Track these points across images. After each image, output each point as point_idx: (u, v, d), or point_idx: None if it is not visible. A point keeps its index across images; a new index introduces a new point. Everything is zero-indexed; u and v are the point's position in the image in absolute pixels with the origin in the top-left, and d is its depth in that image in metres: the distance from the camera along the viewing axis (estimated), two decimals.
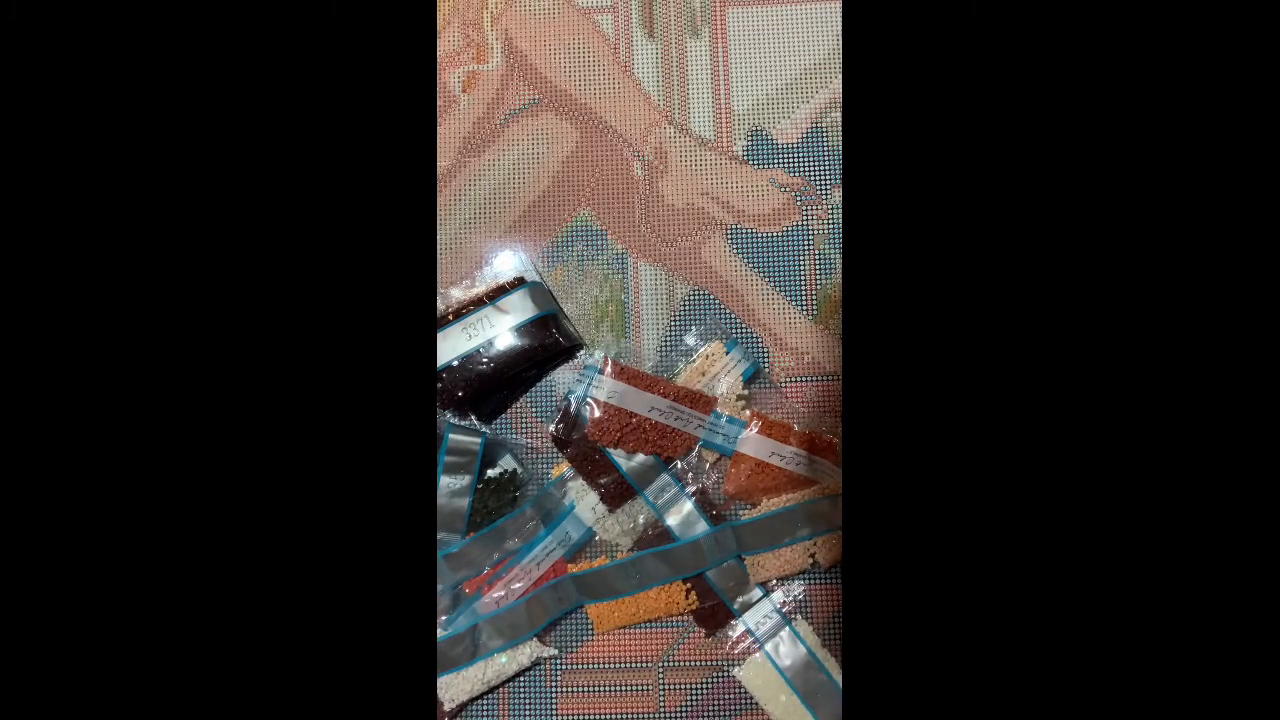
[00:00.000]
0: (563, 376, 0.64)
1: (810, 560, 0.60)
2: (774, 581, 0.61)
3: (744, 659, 0.60)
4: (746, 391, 0.62)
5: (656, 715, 0.60)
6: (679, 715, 0.60)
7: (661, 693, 0.60)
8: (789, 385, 0.64)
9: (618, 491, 0.60)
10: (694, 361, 0.62)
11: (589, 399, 0.60)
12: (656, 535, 0.61)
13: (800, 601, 0.61)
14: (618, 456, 0.60)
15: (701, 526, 0.60)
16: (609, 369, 0.60)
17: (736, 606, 0.60)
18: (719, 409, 0.61)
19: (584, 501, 0.61)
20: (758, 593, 0.60)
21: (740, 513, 0.62)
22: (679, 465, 0.61)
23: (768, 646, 0.60)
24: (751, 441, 0.60)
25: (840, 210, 0.66)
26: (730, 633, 0.60)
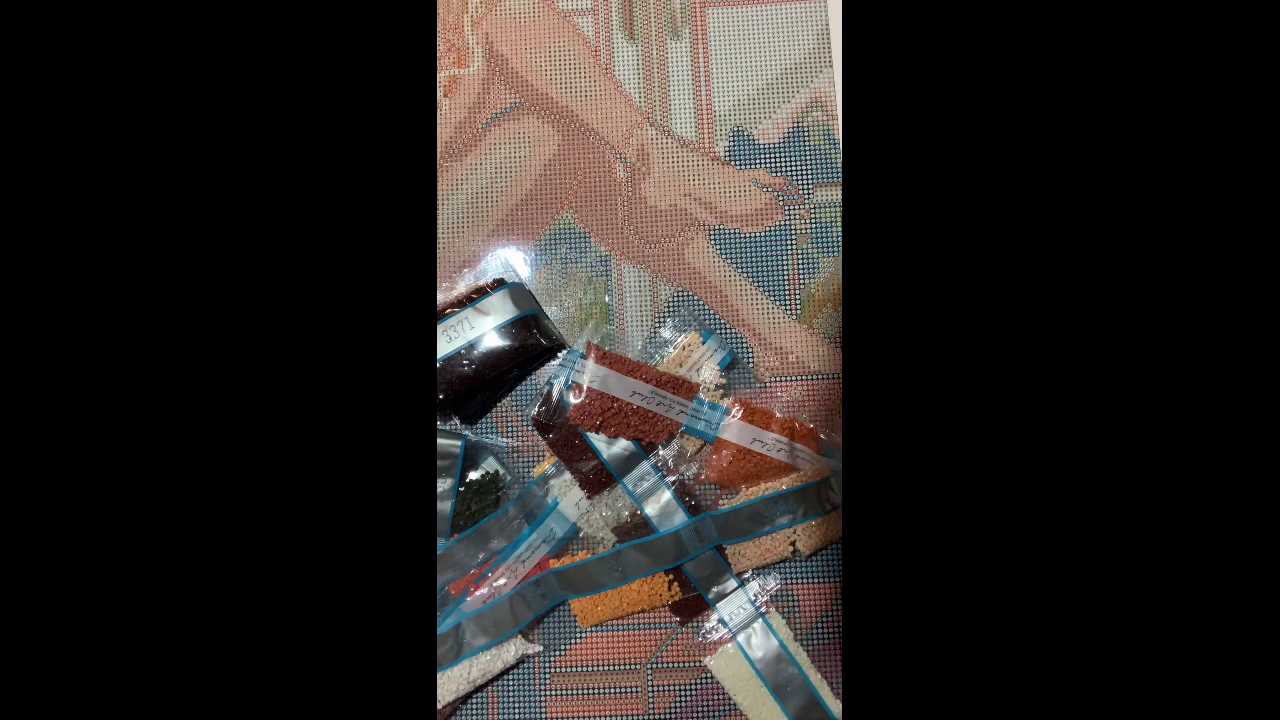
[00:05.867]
0: (545, 376, 0.64)
1: (791, 548, 0.60)
2: (749, 573, 0.61)
3: (716, 649, 0.60)
4: (724, 380, 0.62)
5: (646, 717, 0.60)
6: (668, 717, 0.60)
7: (650, 694, 0.60)
8: (774, 385, 0.64)
9: (597, 479, 0.61)
10: (671, 352, 0.63)
11: (571, 384, 0.60)
12: (636, 525, 0.61)
13: (775, 594, 0.61)
14: (598, 443, 0.60)
15: (679, 517, 0.60)
16: (592, 354, 0.60)
17: (711, 596, 0.60)
18: (700, 395, 0.61)
19: (567, 498, 0.61)
20: (733, 583, 0.61)
21: (720, 502, 0.62)
22: (660, 453, 0.61)
23: (740, 637, 0.60)
24: (733, 428, 0.60)
25: (822, 209, 0.66)
26: (704, 622, 0.61)
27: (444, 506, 0.60)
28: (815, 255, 0.65)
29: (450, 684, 0.59)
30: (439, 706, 0.59)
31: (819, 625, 0.61)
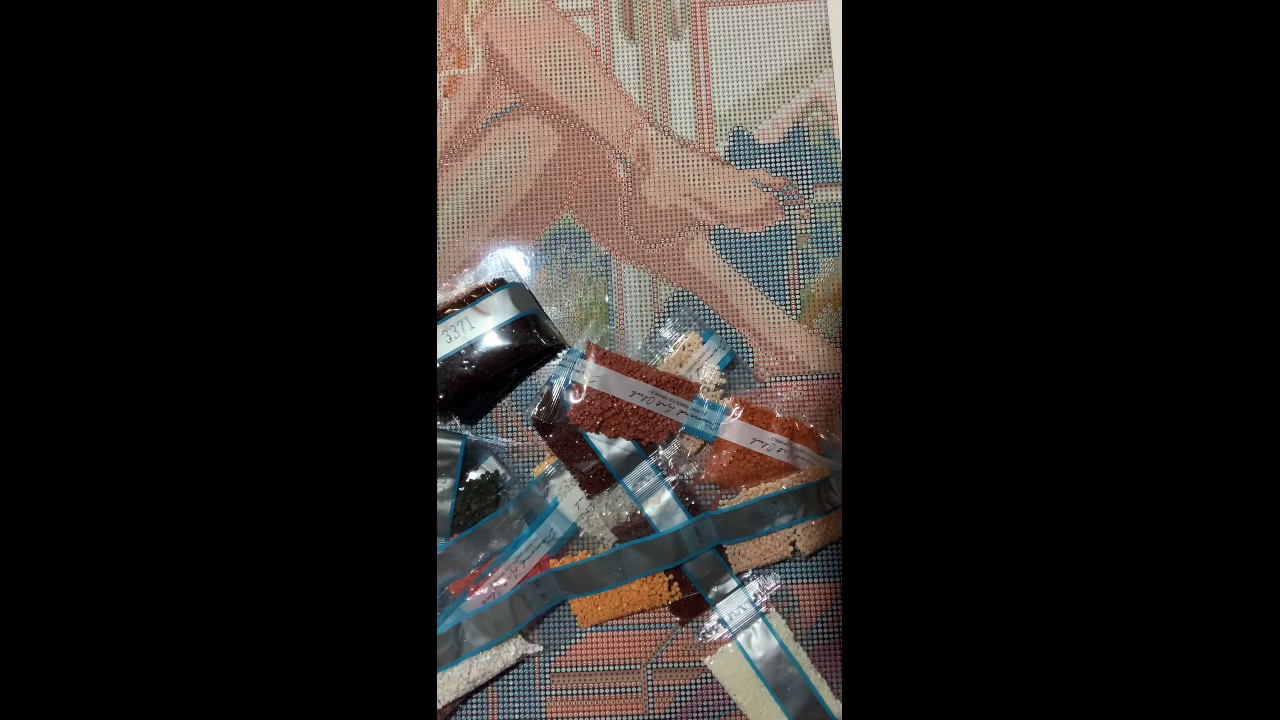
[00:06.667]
0: (545, 376, 0.64)
1: (791, 548, 0.60)
2: (749, 573, 0.61)
3: (716, 649, 0.60)
4: (724, 380, 0.62)
5: (646, 717, 0.60)
6: (668, 717, 0.60)
7: (650, 694, 0.60)
8: (774, 385, 0.64)
9: (597, 479, 0.61)
10: (671, 352, 0.63)
11: (571, 384, 0.60)
12: (636, 525, 0.61)
13: (775, 594, 0.61)
14: (598, 443, 0.60)
15: (679, 517, 0.60)
16: (592, 354, 0.60)
17: (711, 596, 0.60)
18: (700, 395, 0.61)
19: (567, 497, 0.61)
20: (733, 583, 0.61)
21: (720, 502, 0.62)
22: (660, 453, 0.61)
23: (740, 637, 0.60)
24: (733, 428, 0.60)
25: (822, 209, 0.66)
26: (704, 622, 0.61)
27: (444, 506, 0.60)
28: (815, 255, 0.65)
29: (450, 684, 0.59)
30: (439, 706, 0.59)
31: (819, 625, 0.61)
